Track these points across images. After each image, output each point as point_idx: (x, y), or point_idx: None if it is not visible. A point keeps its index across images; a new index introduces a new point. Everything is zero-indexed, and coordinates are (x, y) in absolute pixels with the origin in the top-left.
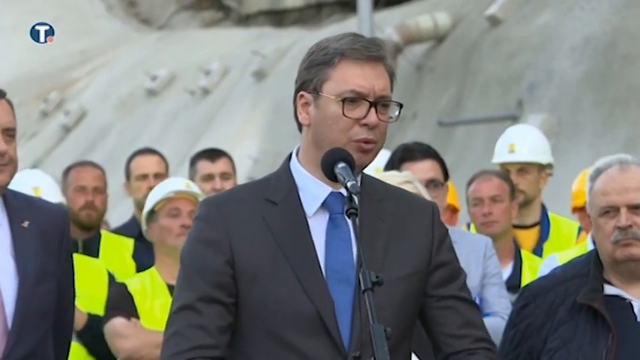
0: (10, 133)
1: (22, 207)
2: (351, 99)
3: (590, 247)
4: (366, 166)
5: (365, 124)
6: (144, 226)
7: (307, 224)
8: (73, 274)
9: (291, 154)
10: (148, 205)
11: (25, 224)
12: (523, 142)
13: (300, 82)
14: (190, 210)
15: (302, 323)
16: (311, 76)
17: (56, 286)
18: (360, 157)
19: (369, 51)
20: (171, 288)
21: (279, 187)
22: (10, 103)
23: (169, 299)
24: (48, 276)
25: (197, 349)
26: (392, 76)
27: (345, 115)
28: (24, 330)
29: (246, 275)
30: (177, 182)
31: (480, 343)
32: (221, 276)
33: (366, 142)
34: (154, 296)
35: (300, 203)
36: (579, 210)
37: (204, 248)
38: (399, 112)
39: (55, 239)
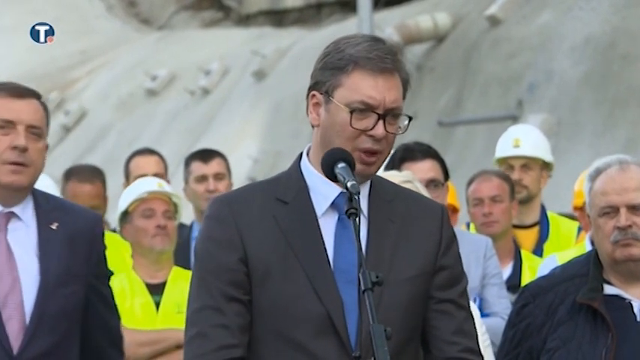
0: (34, 131)
1: (52, 210)
2: (360, 110)
3: (588, 247)
4: (370, 176)
5: (371, 136)
6: (117, 227)
7: (318, 224)
8: (108, 278)
9: (302, 154)
10: (122, 206)
11: (54, 226)
12: (527, 138)
13: (314, 81)
14: (164, 210)
15: (311, 323)
16: (324, 79)
17: (84, 289)
18: (363, 168)
19: (384, 62)
20: (149, 287)
21: (290, 187)
22: (43, 105)
23: (149, 298)
24: (73, 278)
25: (221, 350)
26: (406, 83)
27: (352, 126)
28: (40, 329)
29: (257, 273)
30: (150, 182)
31: (466, 353)
32: (236, 274)
33: (371, 153)
34: (133, 295)
35: (311, 203)
36: (579, 209)
37: (217, 247)
38: (409, 123)
39: (84, 243)
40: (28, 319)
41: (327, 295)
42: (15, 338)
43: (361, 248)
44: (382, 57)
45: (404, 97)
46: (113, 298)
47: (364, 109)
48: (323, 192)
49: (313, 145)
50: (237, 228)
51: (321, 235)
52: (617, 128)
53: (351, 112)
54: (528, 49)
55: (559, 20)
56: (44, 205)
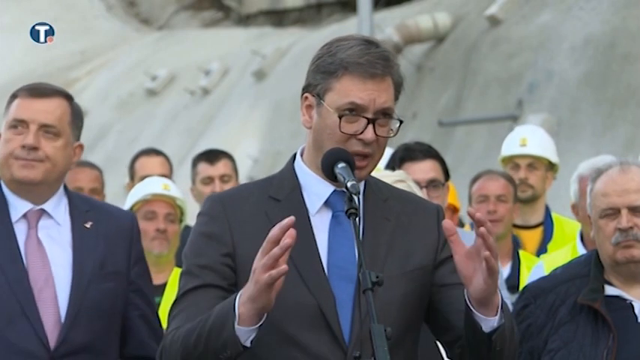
0: (49, 130)
1: (87, 210)
2: (350, 111)
3: (579, 247)
4: (362, 179)
5: (361, 139)
6: None
7: (310, 221)
8: (149, 277)
9: (295, 154)
10: (127, 205)
11: (88, 225)
12: (534, 138)
13: (307, 83)
14: (167, 213)
15: (303, 316)
16: (316, 82)
17: (125, 286)
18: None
19: (374, 67)
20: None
21: (283, 186)
22: (70, 104)
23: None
24: (109, 275)
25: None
26: (399, 87)
27: (341, 131)
28: (77, 323)
29: (248, 269)
30: (156, 184)
31: None
32: (220, 265)
33: (362, 156)
34: None
35: (303, 201)
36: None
37: (206, 241)
38: (399, 126)
39: (123, 241)
40: (63, 314)
41: (317, 288)
42: (51, 332)
43: (362, 249)
44: (373, 62)
45: (396, 99)
46: (153, 296)
47: (353, 112)
48: (316, 191)
49: (307, 146)
50: (229, 225)
51: (313, 232)
52: (617, 128)
53: (340, 117)
54: (528, 49)
55: (559, 20)
56: (80, 205)
